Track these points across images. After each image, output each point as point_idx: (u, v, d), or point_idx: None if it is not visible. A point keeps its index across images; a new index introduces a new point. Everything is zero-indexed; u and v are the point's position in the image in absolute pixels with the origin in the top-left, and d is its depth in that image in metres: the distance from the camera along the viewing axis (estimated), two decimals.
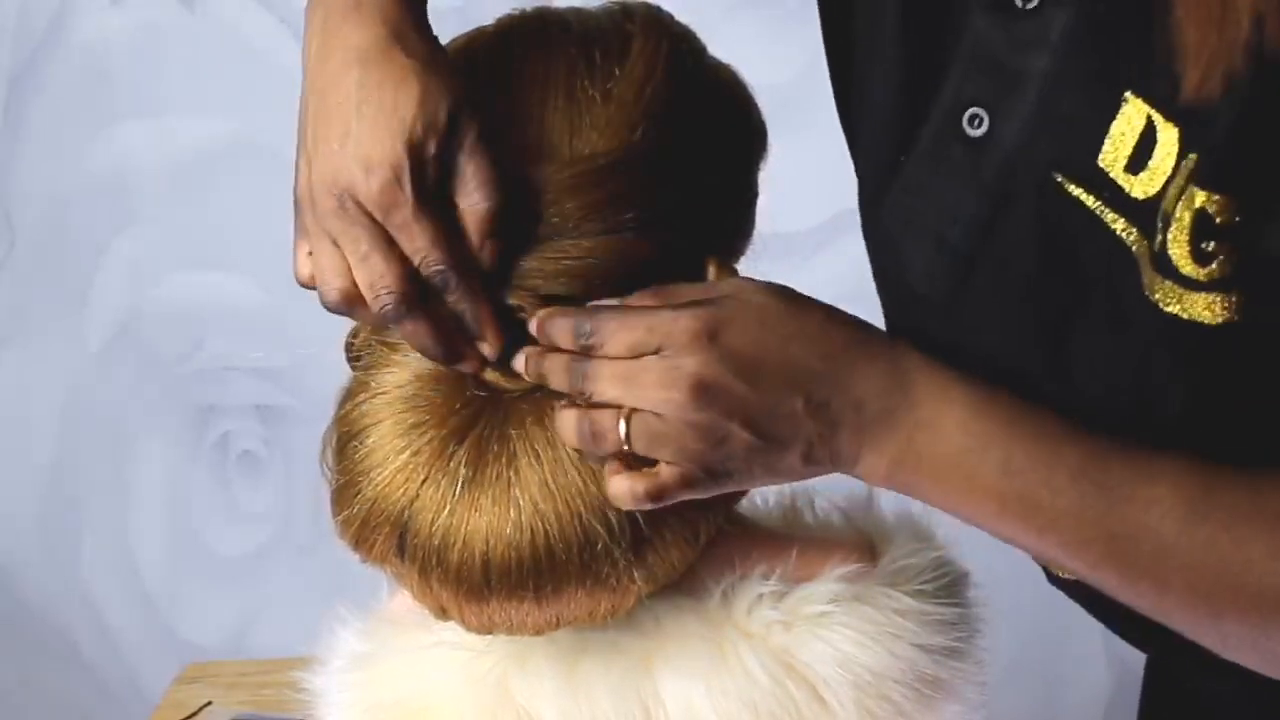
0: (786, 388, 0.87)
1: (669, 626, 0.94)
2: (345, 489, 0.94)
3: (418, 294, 0.89)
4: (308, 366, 2.15)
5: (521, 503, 0.90)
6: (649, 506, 0.88)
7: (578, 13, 0.98)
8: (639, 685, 0.93)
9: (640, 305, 0.89)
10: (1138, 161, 0.85)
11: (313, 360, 2.10)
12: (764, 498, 1.02)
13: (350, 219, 0.89)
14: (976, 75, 0.92)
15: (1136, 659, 1.22)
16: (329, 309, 0.92)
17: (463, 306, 0.89)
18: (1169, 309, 0.85)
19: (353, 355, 0.97)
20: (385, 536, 0.93)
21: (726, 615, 0.94)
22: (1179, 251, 0.84)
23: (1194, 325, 0.85)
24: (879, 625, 0.94)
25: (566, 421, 0.88)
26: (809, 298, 0.90)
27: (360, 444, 0.93)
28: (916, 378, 0.89)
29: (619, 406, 0.87)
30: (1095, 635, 2.17)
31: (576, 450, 0.89)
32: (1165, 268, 0.84)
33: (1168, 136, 0.84)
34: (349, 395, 0.95)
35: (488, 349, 0.90)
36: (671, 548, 0.92)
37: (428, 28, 0.92)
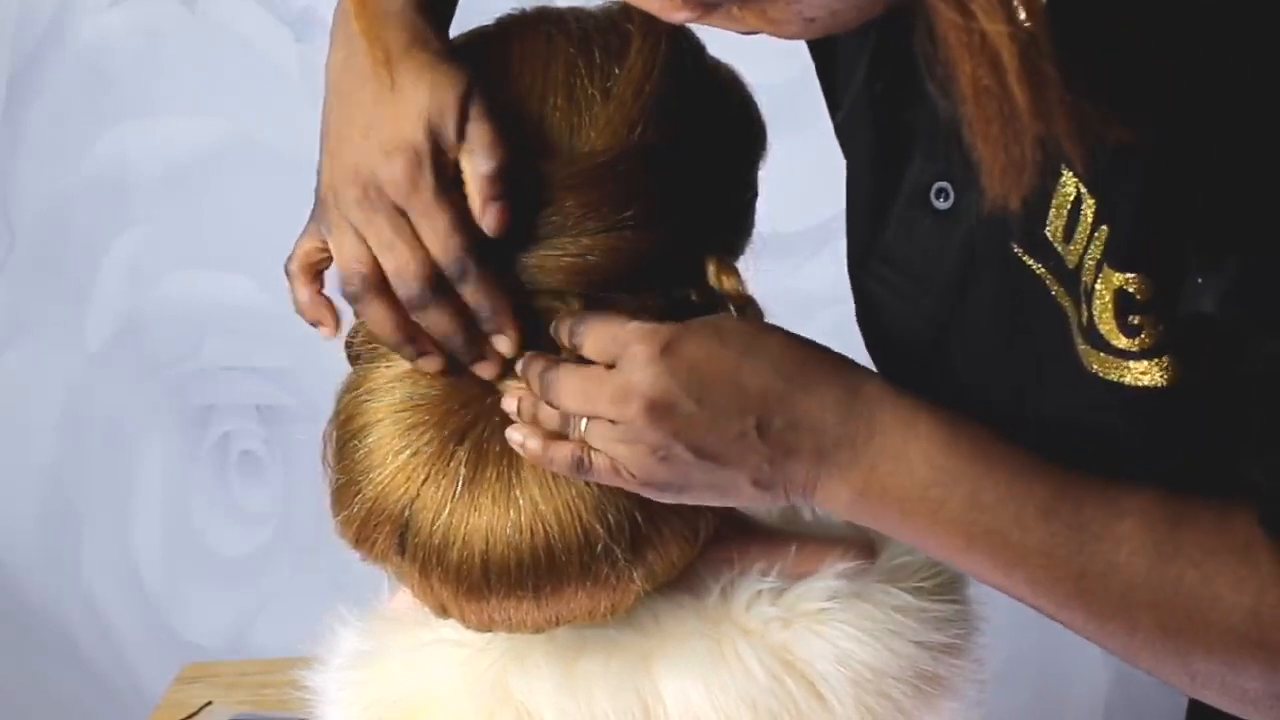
0: (737, 408, 0.87)
1: (668, 624, 0.94)
2: (346, 488, 0.94)
3: (442, 283, 0.90)
4: (308, 366, 2.15)
5: (521, 503, 0.90)
6: (576, 477, 0.88)
7: (577, 12, 0.98)
8: (638, 683, 0.94)
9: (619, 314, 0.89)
10: (1069, 232, 0.86)
11: (313, 360, 2.10)
12: None
13: (374, 207, 0.89)
14: (940, 149, 0.92)
15: None
16: (350, 298, 0.92)
17: (480, 299, 0.90)
18: (1109, 378, 0.86)
19: (352, 354, 0.97)
20: (386, 536, 0.93)
21: (725, 612, 0.94)
22: (1107, 327, 0.85)
23: (1143, 389, 0.85)
24: (878, 622, 0.94)
25: (521, 444, 0.89)
26: (775, 325, 0.90)
27: (360, 443, 0.93)
28: (880, 406, 0.88)
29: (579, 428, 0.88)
30: None
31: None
32: (1097, 341, 0.85)
33: (1088, 207, 0.85)
34: (347, 392, 0.95)
35: (505, 344, 0.91)
36: (671, 546, 0.92)
37: (445, 33, 0.94)
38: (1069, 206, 0.85)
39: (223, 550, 2.28)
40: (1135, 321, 0.84)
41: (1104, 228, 0.84)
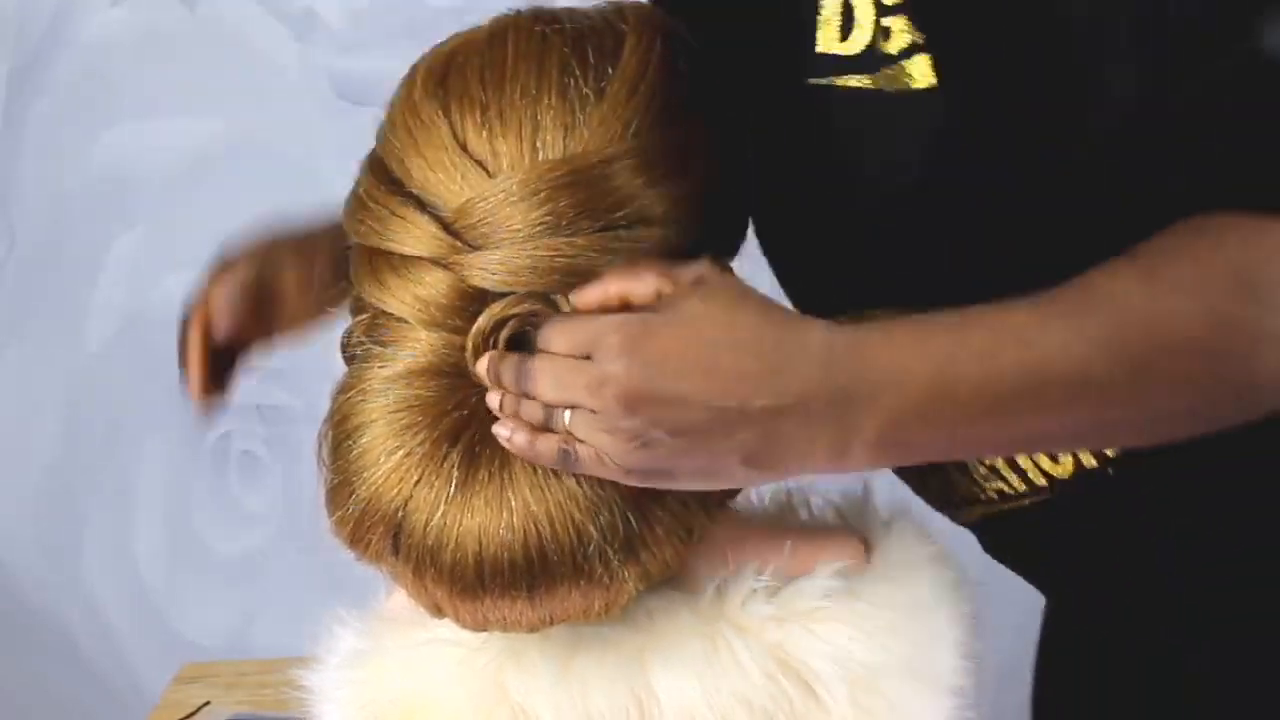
0: (718, 392, 0.86)
1: (663, 622, 0.94)
2: (340, 488, 0.94)
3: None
4: (308, 366, 2.15)
5: (514, 504, 0.90)
6: (563, 469, 0.89)
7: (571, 12, 0.98)
8: (633, 680, 0.94)
9: (590, 310, 0.89)
10: (845, 30, 0.95)
11: (313, 360, 2.10)
12: (759, 493, 1.02)
13: None
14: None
15: None
16: None
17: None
18: (892, 89, 0.94)
19: (347, 355, 0.97)
20: (379, 536, 0.93)
21: (720, 610, 0.94)
22: (878, 43, 0.95)
23: (912, 96, 0.94)
24: (873, 620, 0.94)
25: (508, 439, 0.89)
26: (747, 295, 0.90)
27: (354, 444, 0.93)
28: (855, 345, 0.88)
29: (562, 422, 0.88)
30: None
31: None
32: (875, 61, 0.95)
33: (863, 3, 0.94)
34: (341, 392, 0.95)
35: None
36: (665, 545, 0.92)
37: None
38: (839, 18, 0.95)
39: (223, 550, 2.28)
40: (890, 24, 0.93)
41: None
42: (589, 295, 0.89)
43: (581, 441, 0.88)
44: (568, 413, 0.87)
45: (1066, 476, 1.04)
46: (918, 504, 1.09)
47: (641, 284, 0.89)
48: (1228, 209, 0.88)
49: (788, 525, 1.01)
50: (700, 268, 0.90)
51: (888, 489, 1.06)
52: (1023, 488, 1.07)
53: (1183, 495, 1.03)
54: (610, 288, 0.89)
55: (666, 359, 0.86)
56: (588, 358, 0.87)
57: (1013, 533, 1.10)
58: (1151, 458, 0.96)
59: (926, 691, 0.96)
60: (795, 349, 0.87)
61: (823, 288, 0.99)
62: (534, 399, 0.88)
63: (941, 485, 1.12)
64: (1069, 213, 0.94)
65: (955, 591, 0.99)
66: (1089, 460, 1.03)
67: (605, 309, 0.89)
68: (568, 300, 0.91)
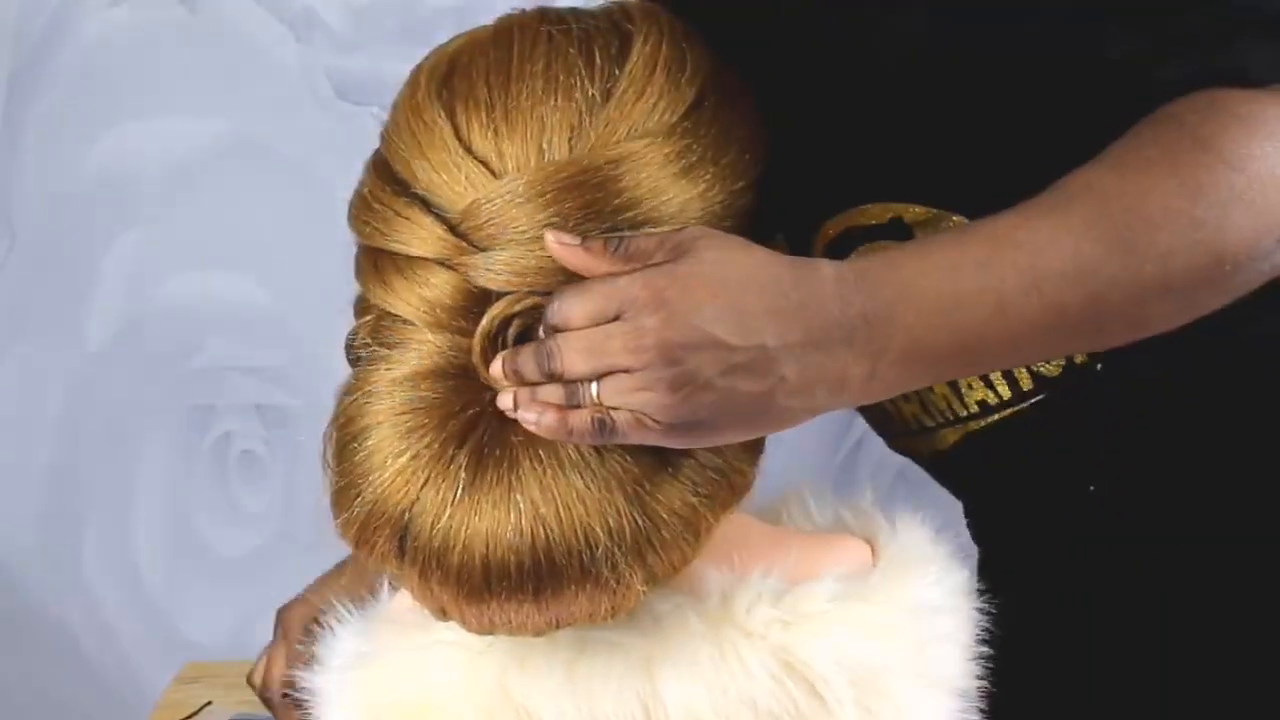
0: (753, 332, 0.87)
1: (668, 625, 0.94)
2: (345, 491, 0.94)
3: None
4: (308, 366, 2.15)
5: (522, 506, 0.90)
6: (600, 441, 0.89)
7: (576, 13, 0.98)
8: (638, 684, 0.94)
9: (599, 274, 0.89)
10: None
11: (313, 360, 2.10)
12: (764, 496, 1.02)
13: None
14: None
15: None
16: None
17: None
18: None
19: (352, 356, 0.97)
20: (385, 539, 0.93)
21: (726, 614, 0.94)
22: None
23: None
24: (878, 623, 0.94)
25: (535, 423, 0.89)
26: (748, 242, 0.91)
27: (360, 446, 0.93)
28: (865, 275, 0.90)
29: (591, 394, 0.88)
30: None
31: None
32: None
33: None
34: (347, 394, 0.95)
35: None
36: (671, 548, 0.92)
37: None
38: None
39: (223, 550, 2.27)
40: None
41: None
42: (599, 265, 0.89)
43: (616, 408, 0.87)
44: (594, 385, 0.87)
45: (1056, 375, 1.08)
46: (924, 505, 1.09)
47: (637, 245, 0.89)
48: (1177, 95, 0.93)
49: (792, 528, 1.01)
50: (694, 229, 0.91)
51: (894, 490, 1.06)
52: (1008, 394, 1.09)
53: (1167, 385, 1.07)
54: (611, 258, 0.89)
55: (700, 304, 0.87)
56: (612, 322, 0.87)
57: (990, 450, 1.13)
58: (1136, 352, 0.99)
59: (933, 694, 0.96)
60: (812, 284, 0.89)
61: (819, 196, 1.03)
62: (558, 380, 0.88)
63: (917, 408, 1.13)
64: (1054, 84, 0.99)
65: (962, 593, 0.99)
66: (1078, 355, 1.06)
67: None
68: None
